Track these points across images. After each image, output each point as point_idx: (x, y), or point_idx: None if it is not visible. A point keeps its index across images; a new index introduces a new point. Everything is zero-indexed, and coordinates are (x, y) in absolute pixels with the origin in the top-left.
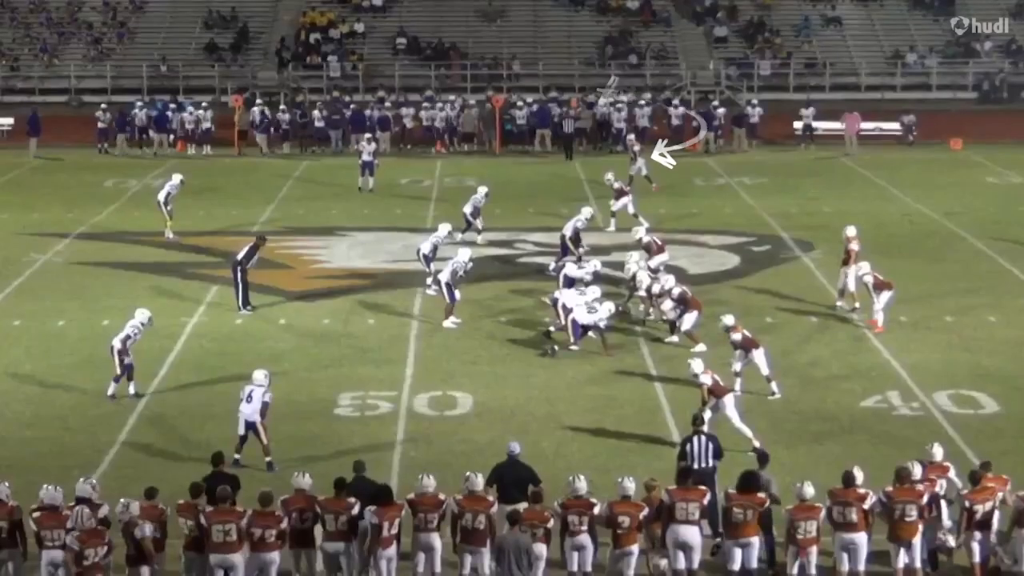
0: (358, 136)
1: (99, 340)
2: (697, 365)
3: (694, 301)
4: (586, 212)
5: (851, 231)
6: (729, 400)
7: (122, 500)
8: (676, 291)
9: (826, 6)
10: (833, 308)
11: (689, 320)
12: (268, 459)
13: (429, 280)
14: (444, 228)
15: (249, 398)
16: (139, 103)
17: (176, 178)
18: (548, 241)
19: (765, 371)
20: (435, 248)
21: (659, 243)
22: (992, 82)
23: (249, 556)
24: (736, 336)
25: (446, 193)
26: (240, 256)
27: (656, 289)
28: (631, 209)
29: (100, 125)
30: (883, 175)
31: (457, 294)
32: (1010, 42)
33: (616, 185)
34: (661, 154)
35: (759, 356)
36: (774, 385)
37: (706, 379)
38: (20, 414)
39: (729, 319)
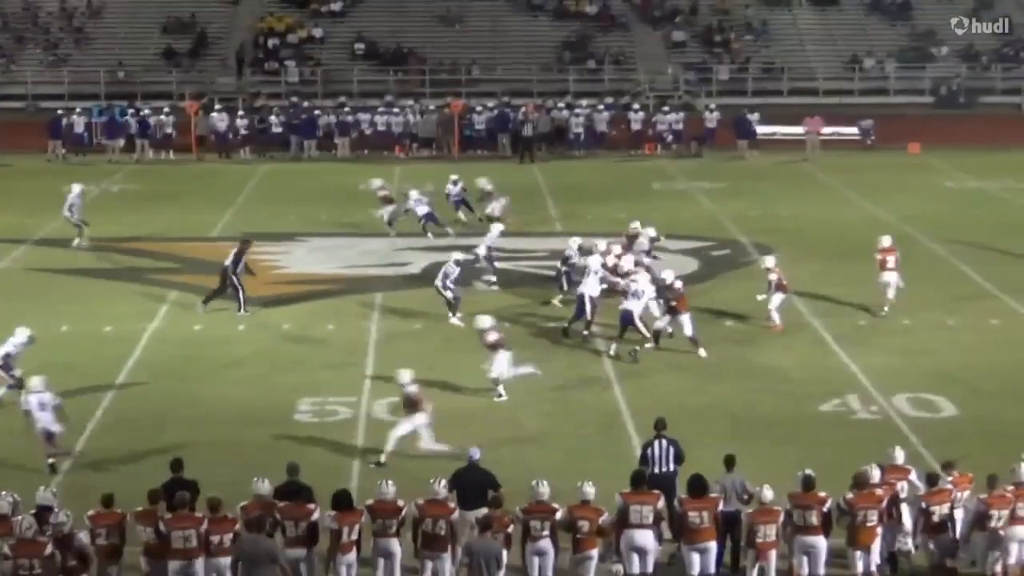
0: (309, 142)
1: (57, 346)
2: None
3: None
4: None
5: (770, 261)
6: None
7: (56, 511)
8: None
9: (784, 11)
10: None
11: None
12: (50, 461)
13: (492, 278)
14: (497, 228)
15: (41, 407)
16: (78, 109)
17: (76, 188)
18: (507, 245)
19: (689, 332)
20: (490, 248)
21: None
22: (949, 87)
23: (205, 562)
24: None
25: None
26: (228, 262)
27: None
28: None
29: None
30: (841, 179)
31: (450, 293)
32: (968, 47)
33: (454, 190)
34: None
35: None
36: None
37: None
38: None
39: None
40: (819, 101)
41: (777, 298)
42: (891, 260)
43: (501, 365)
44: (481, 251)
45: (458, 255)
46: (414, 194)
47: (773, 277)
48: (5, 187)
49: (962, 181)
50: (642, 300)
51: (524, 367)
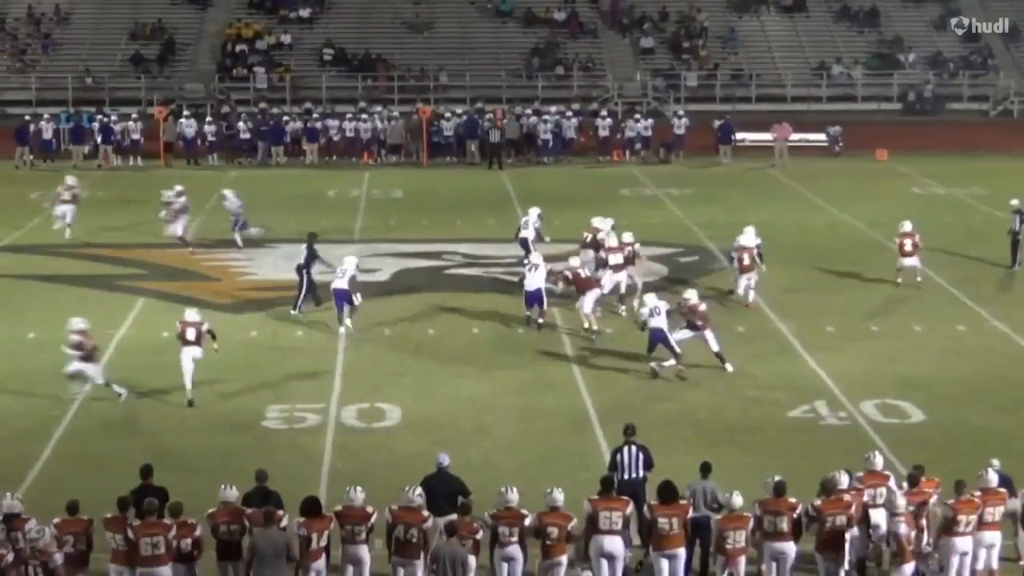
0: (277, 148)
1: (25, 354)
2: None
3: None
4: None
5: (746, 239)
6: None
7: (35, 526)
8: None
9: (752, 17)
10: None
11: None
12: None
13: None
14: (534, 212)
15: None
16: (46, 116)
17: None
18: (476, 252)
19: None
20: (537, 232)
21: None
22: (919, 93)
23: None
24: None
25: (374, 204)
26: (303, 259)
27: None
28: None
29: (45, 136)
30: (809, 185)
31: (358, 298)
32: (936, 54)
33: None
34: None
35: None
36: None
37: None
38: None
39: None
40: (787, 108)
41: (745, 279)
42: (908, 244)
43: (90, 371)
44: (530, 235)
45: (356, 260)
46: (230, 195)
47: (751, 255)
48: None
49: (929, 187)
50: (662, 316)
51: (117, 386)
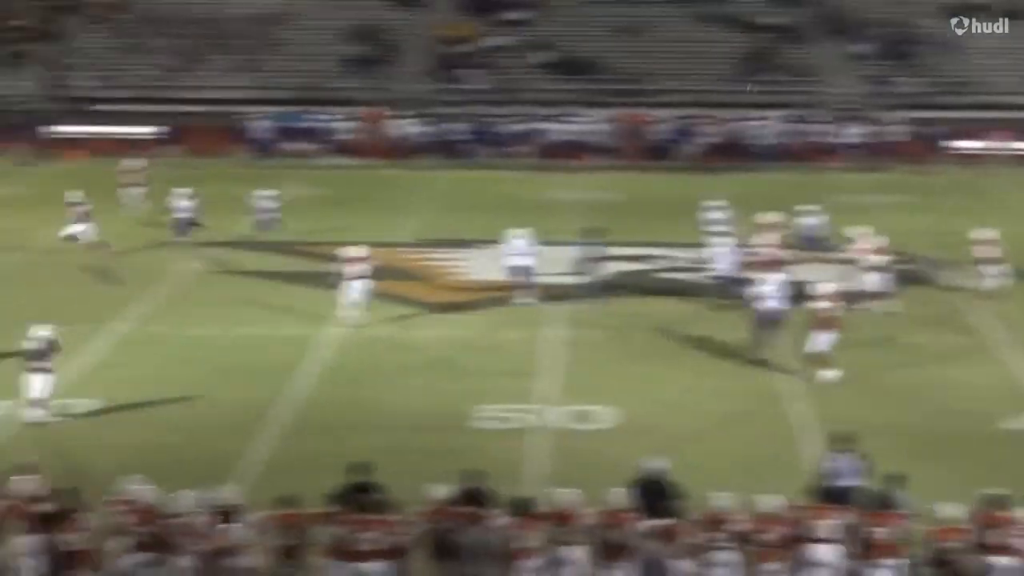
0: (491, 150)
1: (235, 350)
2: None
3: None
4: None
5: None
6: None
7: (244, 521)
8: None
9: (970, 24)
10: None
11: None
12: None
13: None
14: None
15: None
16: (263, 114)
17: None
18: (689, 256)
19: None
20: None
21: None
22: None
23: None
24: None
25: (585, 207)
26: (593, 256)
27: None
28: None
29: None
30: None
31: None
32: None
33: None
34: None
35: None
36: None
37: None
38: (167, 420)
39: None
40: (1006, 116)
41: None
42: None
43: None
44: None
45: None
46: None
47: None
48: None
49: None
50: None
51: None
